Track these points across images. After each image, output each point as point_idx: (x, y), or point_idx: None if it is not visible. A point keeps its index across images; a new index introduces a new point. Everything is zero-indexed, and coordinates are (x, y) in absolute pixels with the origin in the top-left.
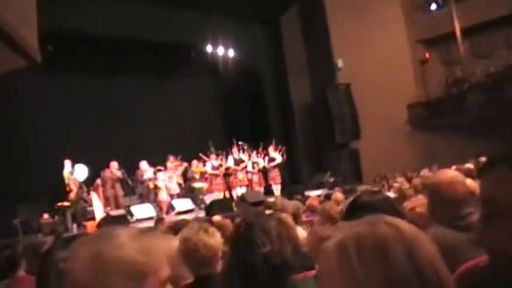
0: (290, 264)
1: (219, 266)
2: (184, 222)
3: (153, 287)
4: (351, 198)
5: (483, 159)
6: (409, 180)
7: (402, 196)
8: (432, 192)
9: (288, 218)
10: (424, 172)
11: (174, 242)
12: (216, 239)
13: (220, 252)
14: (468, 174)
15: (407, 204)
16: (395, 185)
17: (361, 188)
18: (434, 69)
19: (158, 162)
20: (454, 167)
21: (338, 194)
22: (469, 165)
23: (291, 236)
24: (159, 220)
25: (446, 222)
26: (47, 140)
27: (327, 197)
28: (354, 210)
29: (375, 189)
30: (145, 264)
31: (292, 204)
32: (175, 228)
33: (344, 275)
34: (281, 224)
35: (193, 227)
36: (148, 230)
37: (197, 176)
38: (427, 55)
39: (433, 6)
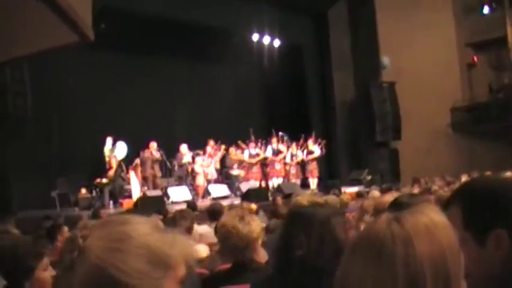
0: (328, 268)
1: (260, 254)
2: (219, 205)
3: (173, 281)
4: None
5: None
6: (448, 184)
7: (441, 200)
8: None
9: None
10: (464, 178)
11: (193, 244)
12: (252, 227)
13: (259, 240)
14: None
15: None
16: (434, 187)
17: (403, 189)
18: (482, 73)
19: (197, 146)
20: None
21: (375, 192)
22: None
23: (333, 236)
24: (191, 204)
25: None
26: (90, 115)
27: (359, 194)
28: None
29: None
30: (171, 257)
31: (330, 199)
32: (209, 210)
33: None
34: (325, 223)
35: (233, 214)
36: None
37: (235, 163)
38: (475, 59)
39: (486, 10)
